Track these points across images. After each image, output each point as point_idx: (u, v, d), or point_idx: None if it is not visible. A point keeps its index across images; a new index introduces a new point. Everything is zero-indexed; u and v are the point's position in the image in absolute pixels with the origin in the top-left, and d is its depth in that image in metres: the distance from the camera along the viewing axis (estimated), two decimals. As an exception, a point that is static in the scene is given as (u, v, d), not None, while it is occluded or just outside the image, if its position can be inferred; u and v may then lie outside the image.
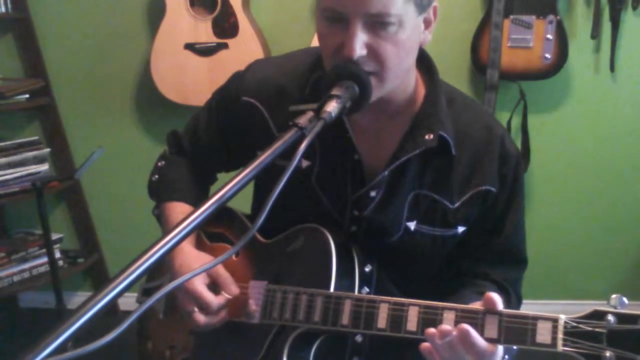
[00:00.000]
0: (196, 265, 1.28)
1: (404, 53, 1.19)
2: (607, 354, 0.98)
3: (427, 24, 1.23)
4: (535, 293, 2.94)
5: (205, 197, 1.57)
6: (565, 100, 3.08)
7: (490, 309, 1.09)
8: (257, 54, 2.88)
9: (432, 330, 1.09)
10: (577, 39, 2.97)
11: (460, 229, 1.32)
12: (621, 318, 0.98)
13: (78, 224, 3.43)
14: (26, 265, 3.14)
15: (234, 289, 1.31)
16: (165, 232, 0.85)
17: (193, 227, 0.87)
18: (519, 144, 3.03)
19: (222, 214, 1.46)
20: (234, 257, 1.42)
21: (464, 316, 1.10)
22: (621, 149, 3.10)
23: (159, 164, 1.54)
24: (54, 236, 3.04)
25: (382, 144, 1.30)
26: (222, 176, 1.49)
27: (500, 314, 1.08)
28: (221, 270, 1.33)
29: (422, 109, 1.29)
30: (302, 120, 1.01)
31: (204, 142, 1.48)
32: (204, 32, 2.91)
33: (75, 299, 3.37)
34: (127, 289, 0.78)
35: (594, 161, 3.13)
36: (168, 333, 1.47)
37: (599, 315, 1.00)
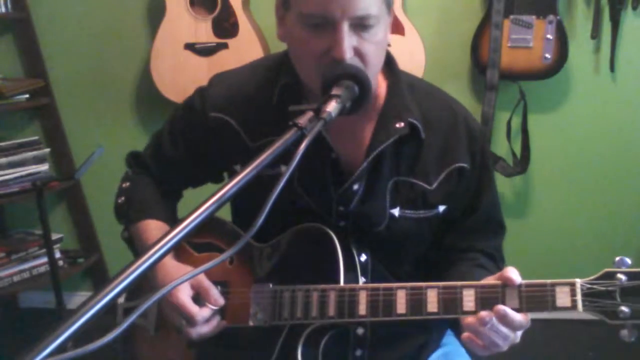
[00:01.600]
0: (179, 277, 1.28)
1: (382, 52, 1.24)
2: (623, 308, 1.06)
3: (388, 25, 1.27)
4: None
5: (174, 214, 1.55)
6: (565, 100, 3.08)
7: (509, 283, 1.13)
8: (257, 54, 2.88)
9: (470, 318, 1.14)
10: (577, 39, 2.97)
11: (441, 208, 1.36)
12: (630, 275, 1.07)
13: (78, 224, 3.43)
14: (26, 265, 3.14)
15: (218, 300, 1.31)
16: (163, 235, 0.85)
17: (191, 228, 0.86)
18: (519, 144, 3.03)
19: (209, 223, 1.44)
20: (228, 264, 1.40)
21: (484, 292, 1.15)
22: (621, 148, 3.10)
23: (124, 185, 1.54)
24: (54, 236, 3.04)
25: (355, 139, 1.33)
26: (200, 191, 1.48)
27: (518, 285, 1.13)
28: (203, 282, 1.31)
29: (388, 100, 1.33)
30: (302, 120, 1.01)
31: (169, 160, 1.48)
32: (204, 32, 2.91)
33: (75, 299, 3.37)
34: (127, 288, 0.78)
35: (594, 161, 3.13)
36: (163, 349, 1.44)
37: (609, 276, 1.08)
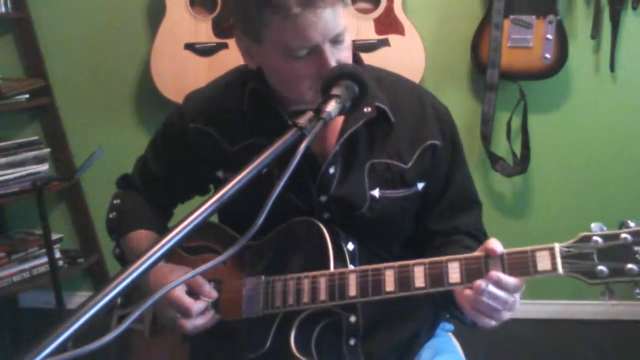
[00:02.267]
0: (172, 277, 1.34)
1: (351, 49, 1.32)
2: (601, 267, 1.11)
3: None
4: (534, 293, 2.93)
5: (165, 226, 1.56)
6: (565, 100, 3.08)
7: (491, 254, 1.17)
8: (257, 54, 2.88)
9: (467, 291, 1.18)
10: (577, 39, 2.97)
11: (420, 185, 1.41)
12: (605, 237, 1.12)
13: (78, 224, 3.43)
14: (26, 265, 3.14)
15: (211, 293, 1.36)
16: (164, 235, 0.85)
17: (192, 228, 0.87)
18: (519, 144, 3.03)
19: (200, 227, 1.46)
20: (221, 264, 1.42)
21: (468, 263, 1.19)
22: (621, 148, 3.10)
23: (115, 202, 1.60)
24: (54, 236, 3.04)
25: (327, 131, 1.38)
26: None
27: (500, 255, 1.17)
28: (196, 277, 1.35)
29: None
30: (302, 120, 1.02)
31: (156, 176, 1.55)
32: (204, 32, 2.91)
33: (75, 299, 3.38)
34: (127, 288, 0.78)
35: (594, 161, 3.13)
36: (159, 350, 1.47)
37: (586, 239, 1.13)
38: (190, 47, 2.92)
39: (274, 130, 1.26)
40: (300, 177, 1.35)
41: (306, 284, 1.29)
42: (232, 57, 2.89)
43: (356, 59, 1.39)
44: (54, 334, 0.72)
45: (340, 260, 1.32)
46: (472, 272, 1.18)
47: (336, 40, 1.24)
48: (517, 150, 3.04)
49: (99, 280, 3.44)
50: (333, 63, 1.23)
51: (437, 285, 1.20)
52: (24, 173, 3.07)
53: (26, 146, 3.11)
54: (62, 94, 3.27)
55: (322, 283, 1.27)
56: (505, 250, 1.18)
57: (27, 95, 3.12)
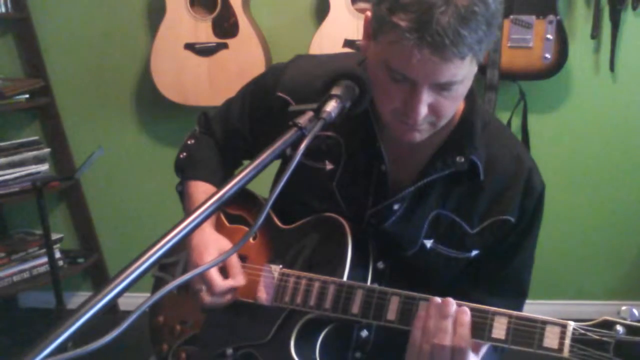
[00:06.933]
0: (211, 248, 1.34)
1: (458, 101, 1.19)
2: None
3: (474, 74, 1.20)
4: (533, 293, 2.92)
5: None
6: (565, 100, 3.08)
7: (500, 310, 1.11)
8: (257, 54, 2.88)
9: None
10: (577, 39, 2.97)
11: (474, 253, 1.33)
12: (630, 329, 0.99)
13: (78, 224, 3.43)
14: (26, 265, 3.14)
15: (241, 279, 1.34)
16: (165, 233, 0.85)
17: (191, 228, 0.86)
18: (519, 144, 3.03)
19: (244, 197, 1.49)
20: (251, 240, 1.44)
21: (474, 315, 1.13)
22: (621, 148, 3.10)
23: (189, 142, 1.57)
24: (54, 236, 3.04)
25: (411, 158, 1.30)
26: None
27: (509, 315, 1.10)
28: (233, 258, 1.35)
29: (457, 129, 1.29)
30: (302, 120, 1.02)
31: (234, 128, 1.50)
32: (204, 32, 2.91)
33: (75, 299, 3.38)
34: (127, 288, 0.78)
35: (594, 161, 3.13)
36: (181, 308, 1.49)
37: (608, 325, 1.01)
38: (190, 47, 2.92)
39: (355, 132, 1.22)
40: (362, 191, 1.32)
41: (316, 287, 1.27)
42: (232, 57, 2.89)
43: (472, 98, 1.28)
44: (54, 334, 0.71)
45: (360, 271, 1.28)
46: (476, 327, 1.12)
47: (441, 87, 1.11)
48: (517, 150, 3.04)
49: (99, 280, 3.44)
50: (423, 108, 1.11)
51: None
52: (24, 173, 3.07)
53: (26, 146, 3.12)
54: (62, 94, 3.27)
55: (330, 291, 1.25)
56: (515, 313, 1.10)
57: (27, 95, 3.12)
